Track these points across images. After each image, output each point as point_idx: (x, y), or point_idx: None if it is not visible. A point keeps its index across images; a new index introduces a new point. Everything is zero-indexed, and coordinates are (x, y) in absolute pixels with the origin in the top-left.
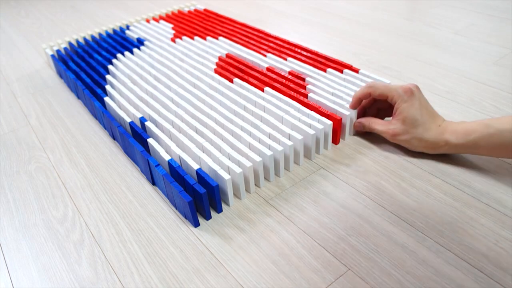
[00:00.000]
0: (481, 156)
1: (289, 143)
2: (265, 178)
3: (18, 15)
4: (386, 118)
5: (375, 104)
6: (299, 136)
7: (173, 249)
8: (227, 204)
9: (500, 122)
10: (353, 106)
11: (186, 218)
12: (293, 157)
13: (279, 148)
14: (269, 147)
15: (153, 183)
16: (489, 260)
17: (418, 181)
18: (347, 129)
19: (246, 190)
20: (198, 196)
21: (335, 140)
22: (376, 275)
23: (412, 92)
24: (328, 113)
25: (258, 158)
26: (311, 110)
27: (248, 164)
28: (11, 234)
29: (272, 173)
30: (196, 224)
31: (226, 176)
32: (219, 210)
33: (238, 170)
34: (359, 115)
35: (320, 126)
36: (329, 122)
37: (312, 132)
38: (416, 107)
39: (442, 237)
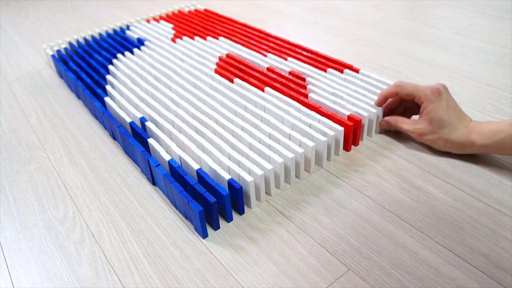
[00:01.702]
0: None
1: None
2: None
3: (18, 15)
4: (413, 117)
5: (402, 103)
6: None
7: (174, 249)
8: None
9: None
10: (379, 103)
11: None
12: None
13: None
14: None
15: (154, 183)
16: (490, 260)
17: (419, 181)
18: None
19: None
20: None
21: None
22: (376, 275)
23: (440, 93)
24: (328, 113)
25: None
26: (312, 110)
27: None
28: (11, 234)
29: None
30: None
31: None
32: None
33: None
34: (385, 114)
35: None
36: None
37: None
38: (443, 108)
39: (442, 237)
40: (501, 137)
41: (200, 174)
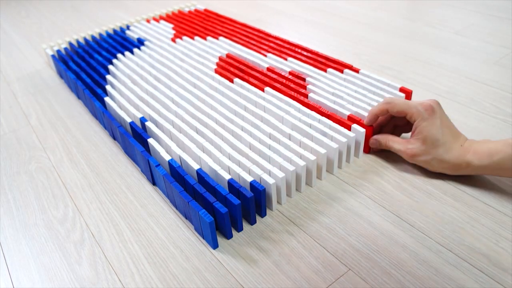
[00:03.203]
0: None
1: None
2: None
3: (18, 15)
4: (404, 135)
5: (392, 121)
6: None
7: (174, 249)
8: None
9: None
10: (369, 122)
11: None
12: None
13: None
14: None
15: (154, 183)
16: (490, 260)
17: (419, 181)
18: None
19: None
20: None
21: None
22: (376, 275)
23: (433, 110)
24: (328, 113)
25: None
26: (312, 110)
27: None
28: (11, 234)
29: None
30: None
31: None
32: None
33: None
34: (375, 132)
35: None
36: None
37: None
38: (437, 126)
39: (442, 237)
40: (499, 158)
41: (200, 174)
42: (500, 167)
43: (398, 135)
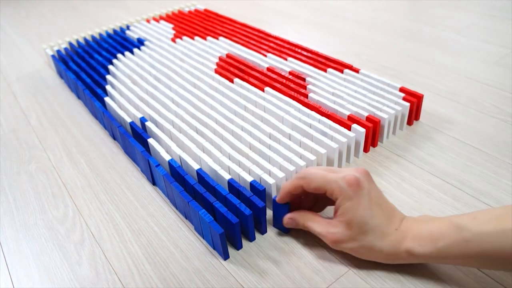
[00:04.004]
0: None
1: (313, 157)
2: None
3: (18, 15)
4: (328, 207)
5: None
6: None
7: (174, 249)
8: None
9: (477, 222)
10: (281, 200)
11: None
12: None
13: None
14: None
15: (154, 183)
16: None
17: (419, 181)
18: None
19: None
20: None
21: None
22: (376, 275)
23: (359, 185)
24: (328, 113)
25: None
26: (312, 110)
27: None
28: (11, 234)
29: None
30: (226, 256)
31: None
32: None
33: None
34: (293, 205)
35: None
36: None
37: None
38: (365, 206)
39: None
40: (444, 245)
41: (200, 174)
42: (447, 255)
43: (322, 208)
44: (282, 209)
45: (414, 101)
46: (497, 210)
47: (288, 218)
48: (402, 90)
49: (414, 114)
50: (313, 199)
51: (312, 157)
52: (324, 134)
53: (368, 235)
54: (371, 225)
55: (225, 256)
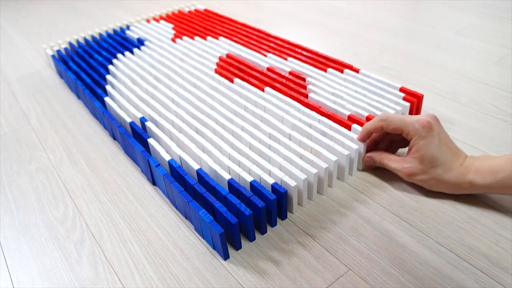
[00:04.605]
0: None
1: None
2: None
3: (18, 15)
4: (400, 149)
5: (388, 136)
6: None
7: (174, 249)
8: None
9: None
10: (362, 139)
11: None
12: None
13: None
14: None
15: (154, 183)
16: (490, 260)
17: None
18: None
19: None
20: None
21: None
22: (376, 275)
23: (431, 127)
24: (328, 113)
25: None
26: (312, 110)
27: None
28: (11, 234)
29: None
30: (226, 256)
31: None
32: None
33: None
34: (369, 147)
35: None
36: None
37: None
38: (436, 144)
39: (442, 237)
40: (503, 176)
41: (200, 174)
42: (504, 185)
43: (395, 151)
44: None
45: (414, 101)
46: None
47: (366, 157)
48: (402, 90)
49: (414, 114)
50: (388, 143)
51: (312, 157)
52: (324, 134)
53: (437, 168)
54: (440, 160)
55: (225, 256)
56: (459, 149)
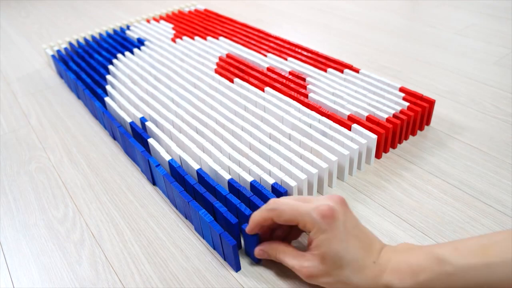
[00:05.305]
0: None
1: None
2: None
3: (18, 15)
4: (304, 234)
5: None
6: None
7: (174, 249)
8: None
9: (459, 253)
10: (251, 231)
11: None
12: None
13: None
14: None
15: (154, 183)
16: None
17: (418, 181)
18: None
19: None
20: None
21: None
22: None
23: (334, 216)
24: (328, 113)
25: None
26: (312, 110)
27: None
28: (11, 234)
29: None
30: (237, 268)
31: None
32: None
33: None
34: (265, 236)
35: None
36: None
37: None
38: (340, 239)
39: (442, 237)
40: (425, 279)
41: (200, 174)
42: None
43: (297, 235)
44: (251, 239)
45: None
46: (480, 239)
47: (259, 250)
48: (402, 90)
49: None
50: (287, 227)
51: (312, 157)
52: (324, 134)
53: (344, 269)
54: (347, 259)
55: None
56: (373, 239)
